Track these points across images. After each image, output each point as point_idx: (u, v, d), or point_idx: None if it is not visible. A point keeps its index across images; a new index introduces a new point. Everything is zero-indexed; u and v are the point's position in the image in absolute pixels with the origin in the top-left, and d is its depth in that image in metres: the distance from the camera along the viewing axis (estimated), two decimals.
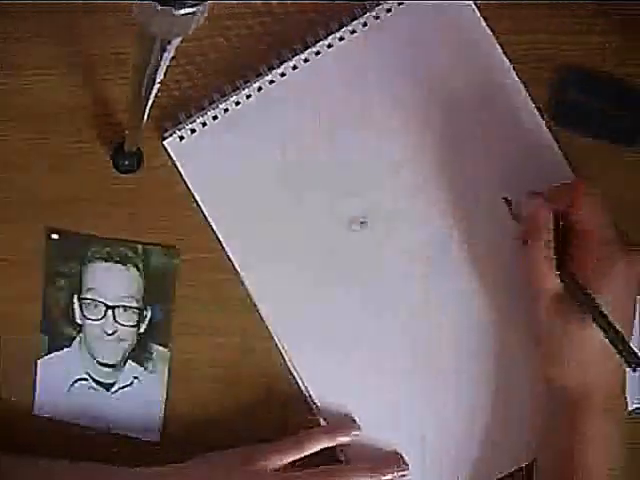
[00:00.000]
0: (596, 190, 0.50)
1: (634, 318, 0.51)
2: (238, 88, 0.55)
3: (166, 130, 0.55)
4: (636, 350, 0.43)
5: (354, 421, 0.56)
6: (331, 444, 0.55)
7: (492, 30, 0.54)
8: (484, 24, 0.54)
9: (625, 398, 0.52)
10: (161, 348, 0.57)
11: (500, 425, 0.56)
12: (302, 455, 0.54)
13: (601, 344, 0.47)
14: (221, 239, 0.56)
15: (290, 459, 0.54)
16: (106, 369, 0.58)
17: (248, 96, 0.55)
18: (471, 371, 0.57)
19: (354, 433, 0.56)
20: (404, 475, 0.55)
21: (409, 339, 0.57)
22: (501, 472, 0.57)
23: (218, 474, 0.53)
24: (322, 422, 0.57)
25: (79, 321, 0.58)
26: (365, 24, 0.54)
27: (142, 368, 0.58)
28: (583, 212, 0.49)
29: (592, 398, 0.50)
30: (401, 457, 0.56)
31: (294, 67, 0.54)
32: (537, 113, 0.55)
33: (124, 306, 0.57)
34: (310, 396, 0.57)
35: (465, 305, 0.56)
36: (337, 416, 0.57)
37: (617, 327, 0.45)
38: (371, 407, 0.57)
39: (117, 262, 0.57)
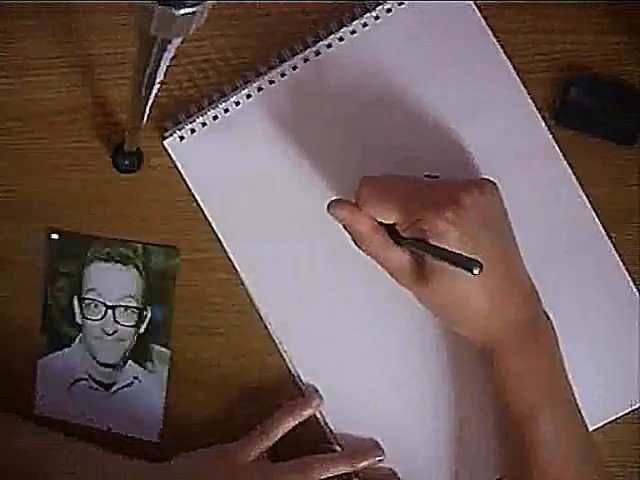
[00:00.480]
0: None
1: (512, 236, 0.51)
2: (238, 88, 0.55)
3: (166, 130, 0.56)
4: (467, 254, 0.43)
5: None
6: (296, 422, 0.56)
7: (492, 30, 0.54)
8: (484, 24, 0.54)
9: (549, 330, 0.51)
10: (161, 348, 0.57)
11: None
12: (272, 442, 0.55)
13: (469, 280, 0.47)
14: (221, 239, 0.56)
15: (262, 448, 0.54)
16: (106, 369, 0.58)
17: (248, 96, 0.55)
18: (475, 370, 0.57)
19: (315, 404, 0.56)
20: (381, 460, 0.56)
21: (408, 340, 0.57)
22: None
23: (203, 469, 0.54)
24: (321, 421, 0.57)
25: (79, 321, 0.58)
26: (365, 24, 0.54)
27: (142, 368, 0.58)
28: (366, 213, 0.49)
29: (498, 338, 0.50)
30: (377, 444, 0.56)
31: (294, 67, 0.54)
32: (537, 113, 0.55)
33: (124, 306, 0.57)
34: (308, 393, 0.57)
35: None
36: (336, 415, 0.57)
37: (442, 247, 0.45)
38: (371, 407, 0.57)
39: (117, 262, 0.57)
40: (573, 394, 0.51)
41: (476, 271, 0.41)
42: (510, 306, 0.50)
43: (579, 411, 0.51)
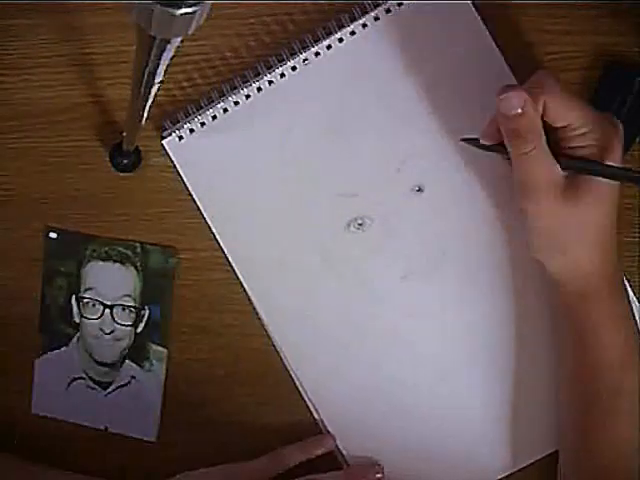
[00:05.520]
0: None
1: None
2: (237, 88, 0.55)
3: (165, 129, 0.56)
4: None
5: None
6: (305, 458, 0.55)
7: (491, 31, 0.54)
8: (483, 25, 0.54)
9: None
10: (159, 348, 0.57)
11: (519, 417, 0.57)
12: (278, 472, 0.55)
13: (604, 224, 0.48)
14: (219, 239, 0.56)
15: (268, 476, 0.54)
16: (104, 368, 0.58)
17: (247, 96, 0.55)
18: (474, 371, 0.57)
19: (328, 445, 0.56)
20: (380, 478, 0.56)
21: (409, 339, 0.57)
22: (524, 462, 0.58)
23: None
24: (319, 420, 0.57)
25: (77, 320, 0.58)
26: (365, 25, 0.54)
27: (140, 367, 0.58)
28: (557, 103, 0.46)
29: (600, 279, 0.49)
30: (377, 464, 0.57)
31: (293, 68, 0.54)
32: None
33: (122, 305, 0.57)
34: (307, 395, 0.57)
35: (465, 305, 0.56)
36: (334, 413, 0.57)
37: (621, 166, 0.46)
38: (370, 407, 0.57)
39: (115, 261, 0.57)
40: None
41: None
42: (613, 249, 0.50)
43: None
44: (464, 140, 0.53)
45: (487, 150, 0.51)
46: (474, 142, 0.52)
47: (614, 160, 0.46)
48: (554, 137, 0.47)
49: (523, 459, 0.57)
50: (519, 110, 0.45)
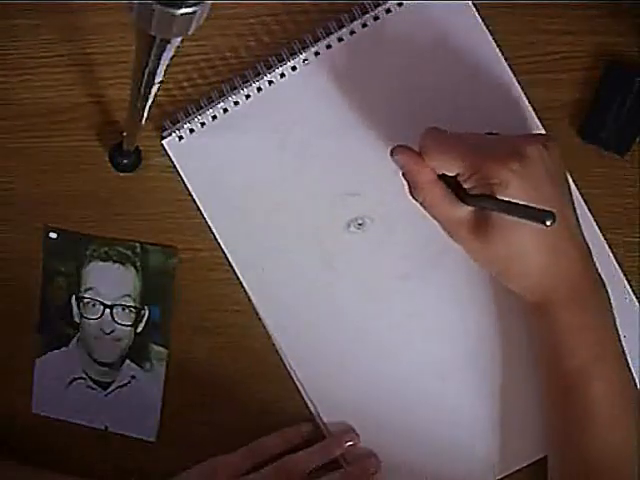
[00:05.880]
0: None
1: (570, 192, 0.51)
2: (237, 88, 0.55)
3: (165, 129, 0.56)
4: (539, 206, 0.43)
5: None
6: (286, 447, 0.56)
7: (490, 31, 0.54)
8: (483, 25, 0.54)
9: (602, 287, 0.51)
10: (159, 348, 0.57)
11: (515, 417, 0.57)
12: (261, 460, 0.55)
13: (529, 235, 0.48)
14: (219, 239, 0.56)
15: (252, 466, 0.54)
16: (104, 368, 0.58)
17: (247, 96, 0.55)
18: (473, 370, 0.57)
19: (306, 432, 0.57)
20: (353, 444, 0.56)
21: (408, 340, 0.57)
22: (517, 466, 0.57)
23: None
24: (319, 420, 0.57)
25: (77, 320, 0.58)
26: (365, 25, 0.54)
27: (140, 367, 0.58)
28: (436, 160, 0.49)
29: (554, 292, 0.50)
30: (352, 429, 0.57)
31: (293, 68, 0.54)
32: (533, 113, 0.55)
33: (122, 305, 0.57)
34: (307, 395, 0.57)
35: (465, 305, 0.56)
36: (334, 413, 0.57)
37: (514, 202, 0.45)
38: (370, 407, 0.57)
39: (115, 261, 0.57)
40: (624, 352, 0.51)
41: (549, 222, 0.40)
42: (567, 261, 0.49)
43: (630, 370, 0.51)
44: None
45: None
46: None
47: (509, 194, 0.46)
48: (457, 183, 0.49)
49: (518, 461, 0.57)
50: (403, 169, 0.51)
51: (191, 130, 0.55)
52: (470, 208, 0.49)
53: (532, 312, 0.52)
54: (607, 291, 0.51)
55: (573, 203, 0.51)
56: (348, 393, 0.57)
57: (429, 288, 0.56)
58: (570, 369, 0.50)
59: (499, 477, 0.57)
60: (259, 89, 0.55)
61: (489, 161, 0.47)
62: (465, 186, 0.49)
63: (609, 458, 0.50)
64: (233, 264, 0.56)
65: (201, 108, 0.55)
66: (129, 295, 0.57)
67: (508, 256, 0.49)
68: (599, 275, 0.51)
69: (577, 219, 0.51)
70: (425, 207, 0.50)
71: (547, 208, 0.41)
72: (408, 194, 0.51)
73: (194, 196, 0.56)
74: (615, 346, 0.51)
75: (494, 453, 0.57)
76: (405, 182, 0.51)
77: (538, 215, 0.41)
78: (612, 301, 0.51)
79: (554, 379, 0.52)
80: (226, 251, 0.56)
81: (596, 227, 0.56)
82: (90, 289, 0.57)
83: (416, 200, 0.51)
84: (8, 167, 0.57)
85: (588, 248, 0.51)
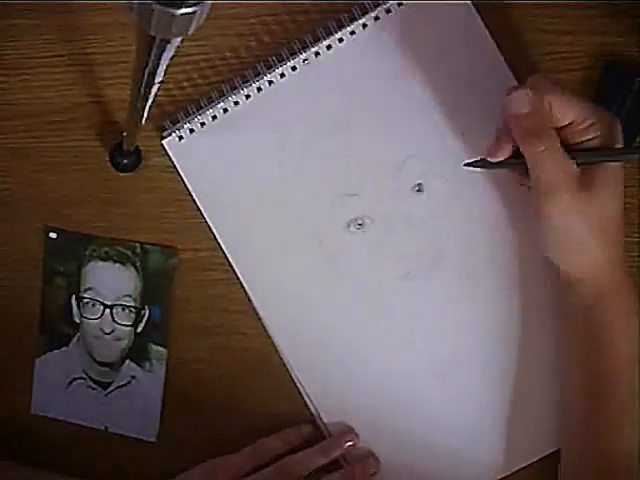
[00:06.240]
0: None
1: None
2: (237, 88, 0.55)
3: (165, 129, 0.56)
4: None
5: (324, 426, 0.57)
6: (287, 448, 0.56)
7: (491, 31, 0.54)
8: (483, 25, 0.54)
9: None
10: (159, 348, 0.57)
11: (518, 416, 0.57)
12: (262, 462, 0.55)
13: (619, 217, 0.48)
14: (219, 239, 0.56)
15: (252, 467, 0.55)
16: (104, 368, 0.58)
17: (247, 96, 0.55)
18: (474, 370, 0.57)
19: (307, 433, 0.57)
20: (353, 445, 0.56)
21: (408, 340, 0.57)
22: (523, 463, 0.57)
23: None
24: (319, 420, 0.57)
25: (77, 320, 0.58)
26: (365, 25, 0.54)
27: (140, 367, 0.58)
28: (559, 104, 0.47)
29: (615, 277, 0.50)
30: (352, 430, 0.57)
31: (293, 68, 0.54)
32: None
33: (122, 305, 0.57)
34: (307, 395, 0.57)
35: (465, 305, 0.56)
36: (334, 413, 0.57)
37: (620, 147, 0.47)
38: (369, 406, 0.57)
39: (115, 261, 0.57)
40: None
41: None
42: (622, 245, 0.50)
43: None
44: (468, 165, 0.53)
45: (495, 167, 0.51)
46: (479, 163, 0.52)
47: (619, 144, 0.47)
48: (561, 137, 0.48)
49: (522, 459, 0.57)
50: (529, 108, 0.46)
51: (191, 130, 0.55)
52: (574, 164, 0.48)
53: (582, 302, 0.51)
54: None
55: None
56: (348, 393, 0.57)
57: (429, 288, 0.56)
58: (622, 357, 0.50)
59: (499, 477, 0.57)
60: (259, 89, 0.55)
61: (604, 113, 0.47)
62: (578, 139, 0.47)
63: (634, 455, 0.50)
64: (233, 264, 0.56)
65: (201, 108, 0.55)
66: (129, 295, 0.57)
67: (599, 215, 0.48)
68: None
69: None
70: (538, 159, 0.47)
71: None
72: (521, 145, 0.47)
73: (194, 196, 0.56)
74: None
75: (494, 452, 0.57)
76: (517, 129, 0.47)
77: None
78: None
79: (596, 371, 0.51)
80: (226, 251, 0.56)
81: None
82: (90, 289, 0.57)
83: (534, 150, 0.47)
84: (8, 167, 0.57)
85: None
